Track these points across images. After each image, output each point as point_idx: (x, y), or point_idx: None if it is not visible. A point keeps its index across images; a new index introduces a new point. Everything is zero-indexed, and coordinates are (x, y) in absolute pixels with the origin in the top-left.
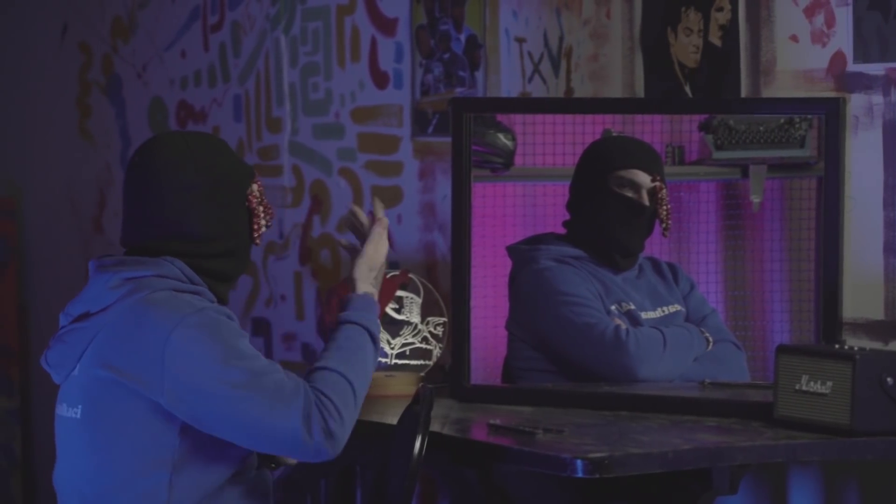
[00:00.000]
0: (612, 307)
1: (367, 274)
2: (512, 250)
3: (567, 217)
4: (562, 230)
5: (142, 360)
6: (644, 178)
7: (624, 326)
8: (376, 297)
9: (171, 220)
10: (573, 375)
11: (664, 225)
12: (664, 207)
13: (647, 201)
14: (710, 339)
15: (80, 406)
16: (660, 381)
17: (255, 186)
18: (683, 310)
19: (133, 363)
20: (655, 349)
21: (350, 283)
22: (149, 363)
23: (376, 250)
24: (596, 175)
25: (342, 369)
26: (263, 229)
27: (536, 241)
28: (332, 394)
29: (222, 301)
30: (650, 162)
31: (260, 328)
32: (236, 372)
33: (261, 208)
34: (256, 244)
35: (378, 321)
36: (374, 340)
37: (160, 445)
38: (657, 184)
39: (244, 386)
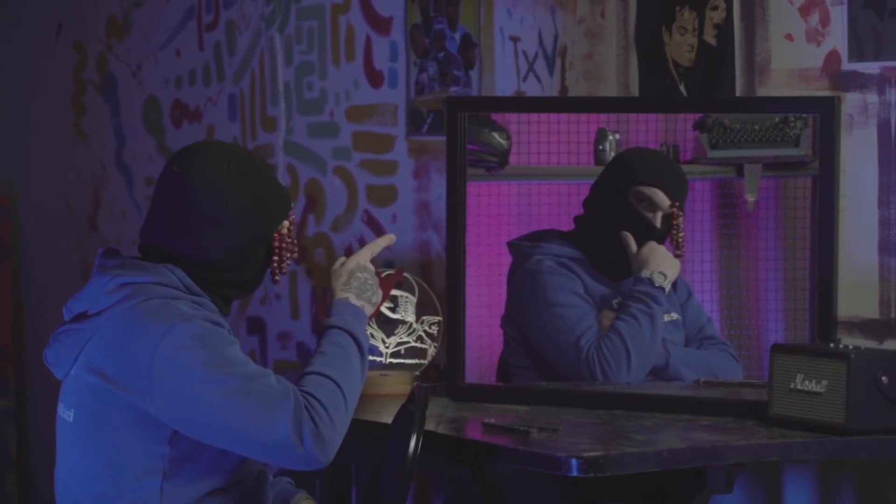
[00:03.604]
0: (615, 301)
1: (336, 281)
2: (512, 246)
3: (580, 213)
4: (563, 227)
5: (130, 370)
6: (663, 200)
7: (596, 344)
8: (358, 303)
9: (191, 247)
10: (555, 378)
11: (678, 252)
12: (680, 235)
13: (659, 224)
14: (674, 314)
15: (72, 410)
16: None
17: (285, 223)
18: (680, 318)
19: (121, 372)
20: (621, 368)
21: (329, 291)
22: (137, 373)
23: (351, 258)
24: (617, 184)
25: (331, 373)
26: (284, 272)
27: (538, 237)
28: (322, 397)
29: (223, 312)
30: (674, 185)
31: (255, 327)
32: (224, 378)
33: (284, 250)
34: (275, 282)
35: (362, 326)
36: (359, 345)
37: (150, 454)
38: (674, 210)
39: (233, 392)
